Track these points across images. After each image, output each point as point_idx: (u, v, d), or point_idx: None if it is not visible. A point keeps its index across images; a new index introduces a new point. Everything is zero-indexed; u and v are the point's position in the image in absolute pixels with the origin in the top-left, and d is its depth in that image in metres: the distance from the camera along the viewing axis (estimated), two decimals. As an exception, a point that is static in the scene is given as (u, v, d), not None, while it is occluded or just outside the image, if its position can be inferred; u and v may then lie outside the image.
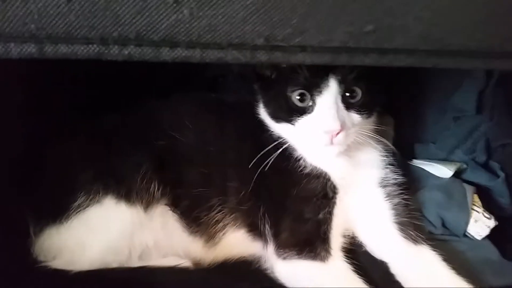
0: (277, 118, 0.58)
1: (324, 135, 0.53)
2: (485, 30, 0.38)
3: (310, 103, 0.54)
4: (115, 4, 0.34)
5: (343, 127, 0.52)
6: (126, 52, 0.35)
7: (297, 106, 0.55)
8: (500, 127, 0.70)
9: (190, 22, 0.34)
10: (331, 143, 0.53)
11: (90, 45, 0.35)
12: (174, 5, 0.34)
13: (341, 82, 0.53)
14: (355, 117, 0.54)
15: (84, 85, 0.73)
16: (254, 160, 0.56)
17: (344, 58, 0.38)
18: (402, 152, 0.68)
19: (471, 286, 0.53)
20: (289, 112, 0.55)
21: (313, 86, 0.53)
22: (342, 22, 0.36)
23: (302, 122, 0.55)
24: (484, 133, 0.71)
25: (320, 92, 0.53)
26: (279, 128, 0.59)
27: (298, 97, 0.54)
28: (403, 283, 0.56)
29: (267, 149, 0.56)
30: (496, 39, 0.38)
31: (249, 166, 0.56)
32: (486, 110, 0.71)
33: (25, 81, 0.61)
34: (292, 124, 0.56)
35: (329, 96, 0.53)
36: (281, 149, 0.57)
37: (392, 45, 0.37)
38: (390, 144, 0.63)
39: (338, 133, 0.52)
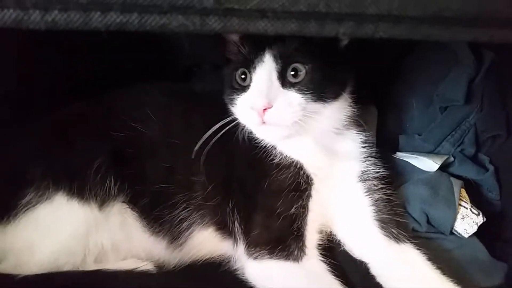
0: (228, 100, 0.56)
1: (252, 112, 0.50)
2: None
3: (249, 81, 0.52)
4: None
5: (270, 104, 0.48)
6: (50, 18, 0.31)
7: (239, 84, 0.53)
8: (490, 118, 0.66)
9: None
10: (262, 121, 0.49)
11: (6, 10, 0.30)
12: None
13: (278, 58, 0.49)
14: (295, 96, 0.50)
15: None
16: (202, 141, 0.52)
17: (314, 27, 0.32)
18: (385, 144, 0.65)
19: (458, 287, 0.50)
20: (233, 92, 0.54)
21: (250, 62, 0.51)
22: None
23: (240, 100, 0.53)
24: (473, 124, 0.68)
25: (255, 68, 0.51)
26: (233, 111, 0.55)
27: (241, 76, 0.53)
28: (384, 285, 0.52)
29: (218, 125, 0.52)
30: (500, 3, 0.32)
31: (216, 159, 0.52)
32: (475, 99, 0.67)
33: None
34: (236, 102, 0.53)
35: (262, 72, 0.50)
36: (239, 132, 0.54)
37: (373, 10, 0.31)
38: (372, 138, 0.59)
39: (265, 110, 0.48)
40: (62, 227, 0.52)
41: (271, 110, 0.48)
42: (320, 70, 0.50)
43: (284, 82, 0.50)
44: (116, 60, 0.69)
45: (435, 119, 0.69)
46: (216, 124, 0.57)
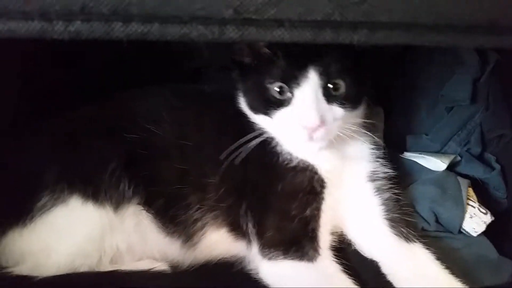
0: (255, 109, 0.55)
1: (303, 130, 0.49)
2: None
3: (289, 95, 0.51)
4: None
5: (323, 122, 0.49)
6: (73, 29, 0.31)
7: (275, 98, 0.51)
8: (496, 117, 0.67)
9: None
10: (311, 139, 0.50)
11: (30, 21, 0.31)
12: None
13: (322, 74, 0.49)
14: (338, 111, 0.51)
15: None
16: (229, 149, 0.52)
17: (329, 34, 0.33)
18: (393, 144, 0.65)
19: (465, 286, 0.50)
20: (267, 104, 0.52)
21: (292, 78, 0.50)
22: None
23: (280, 115, 0.52)
24: (479, 123, 0.68)
25: (299, 84, 0.49)
26: (258, 119, 0.56)
27: (276, 89, 0.51)
28: (395, 283, 0.53)
29: (245, 139, 0.52)
30: (510, 11, 0.33)
31: (228, 159, 0.52)
32: (481, 99, 0.68)
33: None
34: (270, 116, 0.53)
35: (308, 89, 0.49)
36: (260, 140, 0.53)
37: (386, 18, 0.32)
38: (378, 138, 0.59)
39: (317, 129, 0.49)
40: (77, 229, 0.52)
41: (322, 127, 0.48)
42: (354, 81, 0.51)
43: (329, 97, 0.50)
44: (120, 62, 0.70)
45: (441, 119, 0.70)
46: (227, 125, 0.59)
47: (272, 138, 0.55)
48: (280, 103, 0.51)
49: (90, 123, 0.58)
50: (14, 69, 0.61)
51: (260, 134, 0.54)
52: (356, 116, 0.55)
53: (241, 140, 0.52)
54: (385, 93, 0.70)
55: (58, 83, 0.68)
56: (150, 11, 0.31)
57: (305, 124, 0.49)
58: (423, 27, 0.33)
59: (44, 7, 0.30)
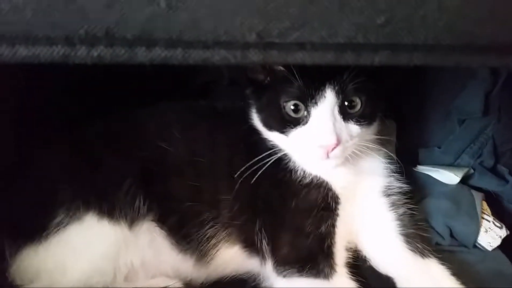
0: (269, 126, 0.55)
1: (319, 149, 0.49)
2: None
3: (305, 114, 0.50)
4: None
5: (339, 141, 0.48)
6: (96, 54, 0.31)
7: (290, 116, 0.51)
8: (508, 130, 0.66)
9: (168, 15, 0.30)
10: (327, 157, 0.49)
11: (54, 46, 0.31)
12: None
13: (338, 93, 0.49)
14: (354, 128, 0.51)
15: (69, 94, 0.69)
16: (244, 167, 0.52)
17: (350, 56, 0.33)
18: (406, 158, 0.65)
19: None
20: (282, 122, 0.52)
21: (308, 96, 0.49)
22: (349, 11, 0.31)
23: (296, 133, 0.51)
24: (491, 136, 0.68)
25: (316, 103, 0.49)
26: (272, 137, 0.55)
27: (292, 108, 0.51)
28: (411, 300, 0.52)
29: (260, 157, 0.52)
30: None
31: (242, 176, 0.52)
32: (493, 111, 0.67)
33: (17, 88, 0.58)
34: (285, 135, 0.52)
35: (325, 108, 0.49)
36: (275, 157, 0.53)
37: (409, 40, 0.32)
38: (390, 152, 0.59)
39: (334, 148, 0.48)
40: (93, 247, 0.52)
41: (339, 146, 0.48)
42: (370, 98, 0.51)
43: (345, 115, 0.50)
44: (128, 76, 0.70)
45: (454, 131, 0.70)
46: (239, 141, 0.58)
47: (285, 155, 0.55)
48: (296, 122, 0.51)
49: (104, 141, 0.58)
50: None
51: (275, 153, 0.54)
52: (371, 132, 0.55)
53: (255, 159, 0.52)
54: (397, 106, 0.70)
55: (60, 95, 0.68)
56: (174, 37, 0.31)
57: (322, 144, 0.49)
58: (445, 49, 0.33)
59: (69, 31, 0.30)
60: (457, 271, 0.53)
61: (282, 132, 0.52)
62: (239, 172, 0.53)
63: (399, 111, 0.71)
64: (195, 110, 0.64)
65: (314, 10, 0.31)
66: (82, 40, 0.31)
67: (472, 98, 0.67)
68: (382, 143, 0.57)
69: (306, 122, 0.50)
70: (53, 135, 0.61)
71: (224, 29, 0.31)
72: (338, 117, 0.49)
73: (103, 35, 0.31)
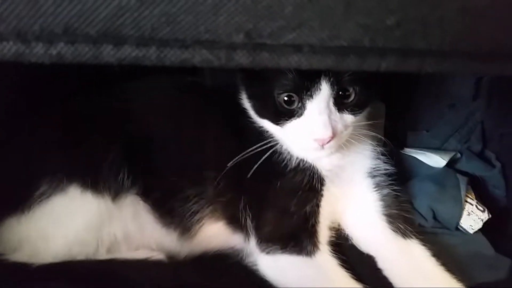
0: (261, 115, 0.54)
1: (315, 142, 0.48)
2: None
3: (299, 105, 0.49)
4: None
5: (335, 133, 0.48)
6: (55, 52, 0.27)
7: (284, 108, 0.49)
8: (499, 116, 0.66)
9: (139, 10, 0.26)
10: (322, 148, 0.49)
11: (5, 42, 0.27)
12: None
13: (333, 84, 0.48)
14: (349, 118, 0.50)
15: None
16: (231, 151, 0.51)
17: (353, 61, 0.29)
18: (393, 140, 0.65)
19: (459, 285, 0.50)
20: (276, 114, 0.51)
21: (303, 89, 0.48)
22: (355, 11, 0.27)
23: (290, 125, 0.50)
24: (480, 120, 0.68)
25: (311, 95, 0.48)
26: (264, 124, 0.54)
27: (285, 99, 0.49)
28: (391, 279, 0.53)
29: (253, 148, 0.51)
30: None
31: (229, 157, 0.52)
32: (482, 96, 0.67)
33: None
34: (279, 126, 0.51)
35: (320, 101, 0.48)
36: (265, 146, 0.52)
37: (423, 44, 0.28)
38: (379, 134, 0.59)
39: (330, 140, 0.48)
40: (76, 218, 0.52)
41: (334, 138, 0.48)
42: (364, 87, 0.50)
43: (339, 106, 0.49)
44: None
45: (442, 115, 0.70)
46: (227, 119, 0.58)
47: (274, 139, 0.54)
48: (290, 114, 0.49)
49: (90, 114, 0.58)
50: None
51: (265, 139, 0.53)
52: (363, 118, 0.55)
53: (249, 149, 0.51)
54: (387, 88, 0.69)
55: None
56: (146, 34, 0.27)
57: (318, 137, 0.48)
58: (464, 56, 0.30)
59: (20, 28, 0.26)
60: (439, 252, 0.54)
61: (276, 123, 0.51)
62: (228, 153, 0.52)
63: (388, 93, 0.71)
64: (183, 86, 0.63)
65: (314, 9, 0.27)
66: (38, 37, 0.27)
67: (462, 82, 0.67)
68: (372, 126, 0.57)
69: (301, 115, 0.49)
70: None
71: (206, 27, 0.27)
72: (333, 109, 0.48)
73: (61, 31, 0.27)
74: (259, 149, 0.53)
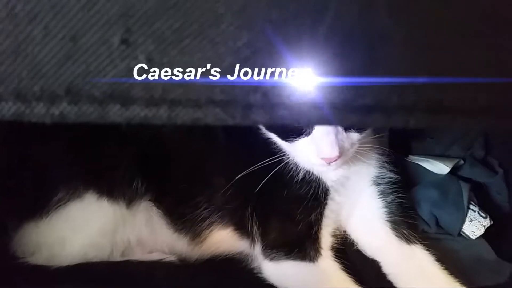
0: (271, 130, 0.55)
1: (322, 160, 0.50)
2: None
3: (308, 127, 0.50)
4: (31, 46, 0.24)
5: (341, 152, 0.49)
6: (57, 112, 0.26)
7: (293, 126, 0.50)
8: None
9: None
10: (329, 165, 0.50)
11: (3, 103, 0.25)
12: (123, 47, 0.24)
13: None
14: (355, 136, 0.51)
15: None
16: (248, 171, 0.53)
17: (379, 119, 0.27)
18: (398, 147, 0.66)
19: (463, 286, 0.52)
20: (284, 131, 0.52)
21: None
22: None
23: (299, 143, 0.51)
24: (483, 128, 0.68)
25: None
26: (273, 137, 0.56)
27: None
28: (395, 283, 0.55)
29: (266, 162, 0.53)
30: None
31: (237, 165, 0.54)
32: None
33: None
34: (288, 142, 0.52)
35: None
36: (274, 159, 0.53)
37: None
38: (386, 149, 0.60)
39: (336, 160, 0.49)
40: (91, 223, 0.54)
41: (341, 157, 0.49)
42: None
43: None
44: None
45: (446, 123, 0.70)
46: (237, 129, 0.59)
47: (281, 151, 0.55)
48: (298, 132, 0.50)
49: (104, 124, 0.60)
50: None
51: (275, 153, 0.54)
52: (368, 133, 0.55)
53: (259, 164, 0.52)
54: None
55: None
56: (157, 95, 0.26)
57: (325, 157, 0.49)
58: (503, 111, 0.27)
59: (19, 88, 0.25)
60: (442, 257, 0.55)
61: (284, 139, 0.52)
62: (236, 161, 0.54)
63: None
64: None
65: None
66: (38, 97, 0.26)
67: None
68: (376, 139, 0.58)
69: (309, 133, 0.49)
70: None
71: (221, 88, 0.25)
72: (340, 128, 0.49)
73: (63, 92, 0.25)
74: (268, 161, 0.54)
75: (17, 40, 0.25)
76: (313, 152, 0.50)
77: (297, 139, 0.51)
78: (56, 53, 0.25)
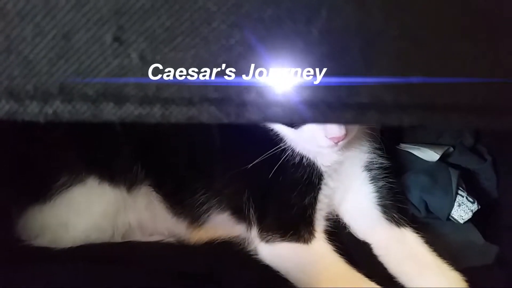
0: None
1: (329, 140, 0.51)
2: None
3: None
4: (23, 44, 0.24)
5: (348, 131, 0.50)
6: (51, 111, 0.26)
7: None
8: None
9: (142, 69, 0.25)
10: (336, 145, 0.51)
11: None
12: (115, 45, 0.24)
13: None
14: None
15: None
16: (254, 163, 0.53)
17: (373, 116, 0.27)
18: (390, 136, 0.67)
19: (450, 268, 0.53)
20: None
21: None
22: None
23: (305, 128, 0.52)
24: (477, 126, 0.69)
25: None
26: (275, 126, 0.57)
27: None
28: (385, 264, 0.57)
29: (270, 152, 0.53)
30: None
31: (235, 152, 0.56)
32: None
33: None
34: (294, 127, 0.53)
35: None
36: (275, 150, 0.55)
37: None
38: (378, 135, 0.61)
39: (343, 138, 0.50)
40: (94, 207, 0.56)
41: (347, 136, 0.50)
42: None
43: None
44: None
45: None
46: None
47: (280, 137, 0.56)
48: None
49: None
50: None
51: (276, 143, 0.55)
52: None
53: (264, 155, 0.53)
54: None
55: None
56: (150, 93, 0.26)
57: (330, 135, 0.50)
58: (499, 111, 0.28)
59: (12, 87, 0.25)
60: (431, 240, 0.57)
61: (290, 127, 0.53)
62: (234, 148, 0.55)
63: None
64: None
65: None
66: (32, 96, 0.25)
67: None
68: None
69: None
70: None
71: (215, 86, 0.26)
72: None
73: (56, 91, 0.25)
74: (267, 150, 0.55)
75: (9, 38, 0.25)
76: (321, 133, 0.51)
77: (303, 124, 0.51)
78: (49, 51, 0.25)
